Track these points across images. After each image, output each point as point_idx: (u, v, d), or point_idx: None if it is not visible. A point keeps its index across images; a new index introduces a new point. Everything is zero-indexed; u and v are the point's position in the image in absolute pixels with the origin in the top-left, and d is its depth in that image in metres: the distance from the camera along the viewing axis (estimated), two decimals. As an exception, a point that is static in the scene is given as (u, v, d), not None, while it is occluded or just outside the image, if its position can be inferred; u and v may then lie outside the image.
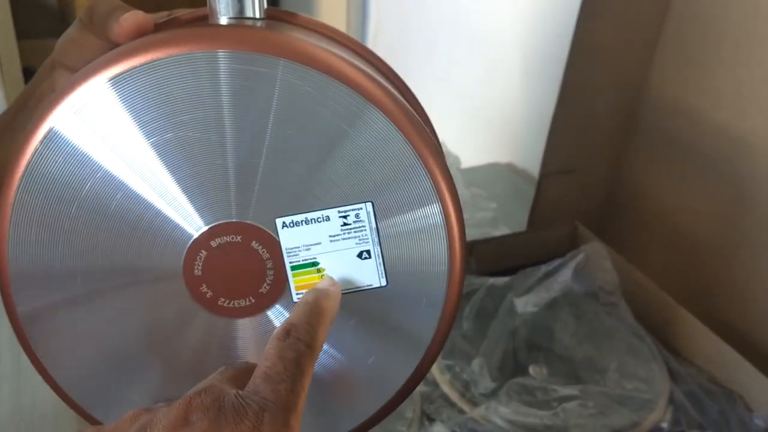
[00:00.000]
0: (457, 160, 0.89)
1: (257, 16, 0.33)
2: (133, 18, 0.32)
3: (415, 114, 0.31)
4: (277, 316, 0.33)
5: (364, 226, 0.31)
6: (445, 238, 0.31)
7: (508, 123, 1.17)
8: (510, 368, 0.69)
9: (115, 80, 0.29)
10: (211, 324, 0.32)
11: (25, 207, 0.30)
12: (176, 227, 0.31)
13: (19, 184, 0.30)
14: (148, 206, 0.30)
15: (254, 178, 0.30)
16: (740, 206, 0.77)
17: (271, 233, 0.31)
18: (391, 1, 1.50)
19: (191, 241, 0.31)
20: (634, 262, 0.79)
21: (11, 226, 0.30)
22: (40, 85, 0.35)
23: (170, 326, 0.32)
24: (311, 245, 0.31)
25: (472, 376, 0.67)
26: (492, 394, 0.65)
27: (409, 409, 0.65)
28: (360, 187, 0.30)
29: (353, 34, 1.57)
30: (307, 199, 0.30)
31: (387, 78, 0.37)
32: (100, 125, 0.29)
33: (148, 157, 0.30)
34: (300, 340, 0.27)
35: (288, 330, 0.28)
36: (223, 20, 0.32)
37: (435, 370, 0.67)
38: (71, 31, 0.34)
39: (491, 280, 0.76)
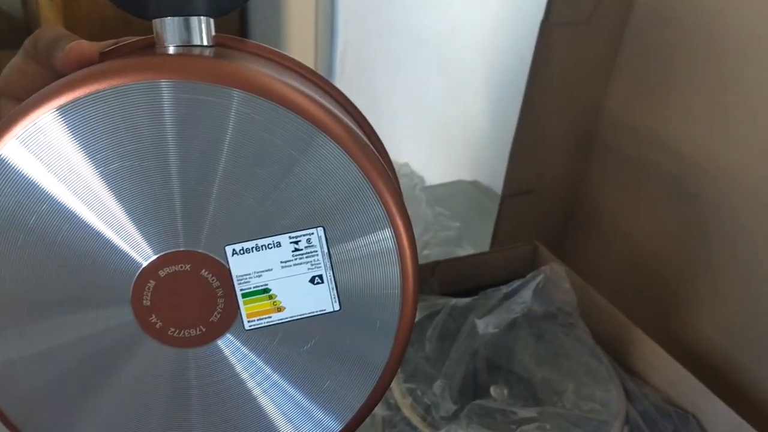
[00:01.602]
0: (421, 180, 0.90)
1: (205, 43, 0.33)
2: (77, 47, 0.32)
3: (365, 140, 0.31)
4: (228, 345, 0.33)
5: (316, 251, 0.31)
6: (398, 262, 0.31)
7: (472, 142, 1.18)
8: (471, 390, 0.70)
9: (62, 110, 0.29)
10: (160, 354, 0.32)
11: None
12: (124, 257, 0.31)
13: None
14: (95, 236, 0.30)
15: (203, 206, 0.30)
16: (695, 227, 0.79)
17: (221, 261, 0.31)
18: (358, 22, 1.52)
19: (139, 271, 0.31)
20: (593, 281, 0.81)
21: None
22: None
23: (119, 357, 0.32)
24: (262, 272, 0.31)
25: (434, 399, 0.68)
26: (453, 417, 0.66)
27: (371, 432, 0.65)
28: (311, 213, 0.31)
29: (321, 55, 1.58)
30: (257, 226, 0.31)
31: (337, 102, 0.38)
32: (46, 155, 0.29)
33: (96, 186, 0.29)
34: None
35: None
36: (171, 48, 0.32)
37: (397, 394, 0.68)
38: (16, 60, 0.34)
39: (453, 301, 0.77)
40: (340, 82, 1.58)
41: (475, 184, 1.16)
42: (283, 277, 0.32)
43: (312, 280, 0.32)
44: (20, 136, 0.29)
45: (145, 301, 0.31)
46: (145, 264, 0.31)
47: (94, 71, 0.29)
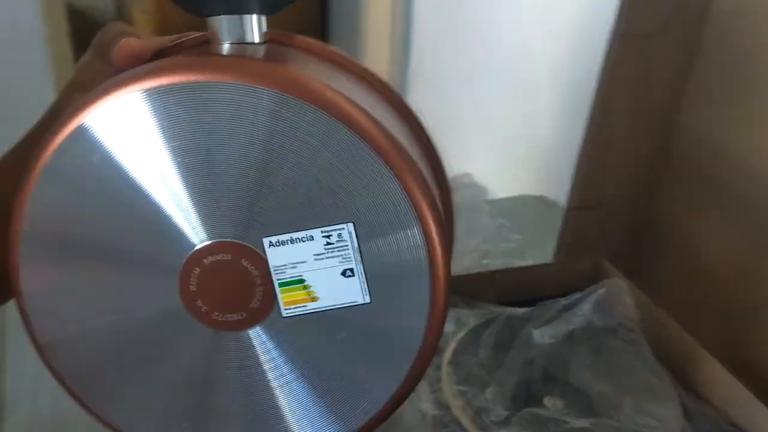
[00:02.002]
0: (483, 190, 0.90)
1: (257, 41, 0.34)
2: (126, 45, 0.34)
3: (401, 145, 0.32)
4: (267, 330, 0.34)
5: (347, 246, 0.32)
6: (426, 259, 0.32)
7: (541, 156, 1.17)
8: (523, 398, 0.69)
9: (149, 93, 0.30)
10: (204, 336, 0.34)
11: (46, 191, 0.32)
12: (176, 240, 0.32)
13: (44, 168, 0.31)
14: (158, 215, 0.32)
15: (244, 200, 0.32)
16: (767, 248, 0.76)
17: (259, 252, 0.32)
18: (431, 35, 1.53)
19: (188, 255, 0.32)
20: (659, 299, 0.79)
21: (30, 203, 0.32)
22: (64, 108, 0.38)
23: (164, 337, 0.34)
24: (297, 263, 0.33)
25: (485, 403, 0.67)
26: (504, 423, 0.65)
27: (421, 431, 0.65)
28: (343, 210, 0.32)
29: (395, 67, 1.60)
30: (293, 220, 0.32)
31: (384, 98, 0.38)
32: (128, 132, 0.31)
33: (164, 170, 0.31)
34: None
35: None
36: (225, 46, 0.34)
37: (448, 395, 0.68)
38: (86, 57, 0.36)
39: (510, 310, 0.77)
40: (413, 95, 1.59)
41: (542, 199, 1.15)
42: (317, 269, 0.33)
43: (343, 273, 0.33)
44: (106, 110, 0.31)
45: (192, 287, 0.33)
46: (192, 250, 0.32)
47: (173, 63, 0.31)
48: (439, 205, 0.38)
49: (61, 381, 0.35)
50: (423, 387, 0.69)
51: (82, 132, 0.31)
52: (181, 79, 0.30)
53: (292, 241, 0.32)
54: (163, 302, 0.33)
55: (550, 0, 1.12)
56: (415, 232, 0.32)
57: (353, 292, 0.33)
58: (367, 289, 0.33)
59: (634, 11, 0.81)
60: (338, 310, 0.34)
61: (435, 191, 0.39)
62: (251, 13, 0.34)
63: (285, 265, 0.33)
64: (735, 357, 0.74)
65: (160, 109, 0.31)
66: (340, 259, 0.33)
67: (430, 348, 0.34)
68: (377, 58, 1.63)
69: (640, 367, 0.71)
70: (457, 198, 0.94)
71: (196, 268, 0.33)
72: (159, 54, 0.36)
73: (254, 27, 0.34)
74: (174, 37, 0.38)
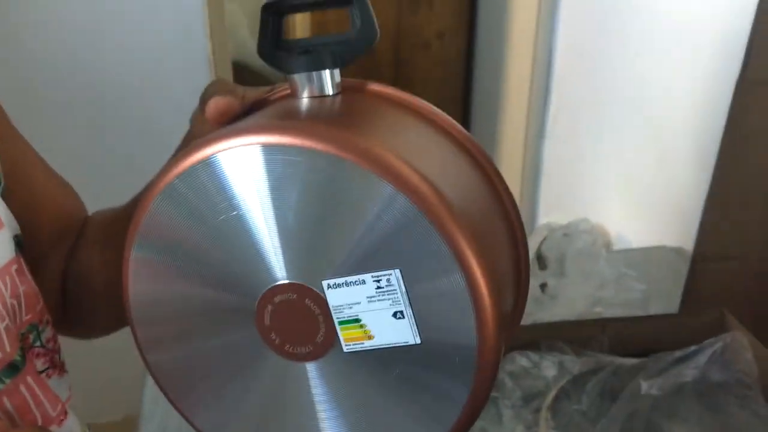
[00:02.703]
0: (602, 237, 0.90)
1: (331, 93, 0.39)
2: (213, 105, 0.39)
3: (451, 203, 0.34)
4: (330, 363, 0.38)
5: (395, 290, 0.35)
6: (471, 306, 0.34)
7: (679, 207, 1.14)
8: (624, 450, 0.68)
9: (266, 147, 0.35)
10: (277, 365, 0.38)
11: (158, 214, 0.37)
12: (255, 278, 0.37)
13: (167, 186, 0.37)
14: (249, 252, 0.36)
15: (309, 247, 0.36)
16: None
17: (319, 293, 0.36)
18: (571, 87, 1.53)
19: (261, 294, 0.37)
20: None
21: (148, 215, 0.37)
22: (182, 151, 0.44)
23: (245, 364, 0.39)
24: (353, 304, 0.36)
25: (583, 452, 0.67)
26: (601, 473, 0.64)
27: (513, 474, 0.66)
28: (391, 256, 0.35)
29: (533, 118, 1.61)
30: (348, 266, 0.35)
31: (451, 140, 0.41)
32: (245, 175, 0.35)
33: (264, 217, 0.36)
34: None
35: None
36: (304, 99, 0.39)
37: (544, 440, 0.68)
38: (196, 109, 0.42)
39: (619, 360, 0.75)
40: (550, 143, 1.59)
41: (678, 251, 1.11)
42: (371, 310, 0.36)
43: (394, 315, 0.36)
44: (227, 152, 0.35)
45: (266, 321, 0.38)
46: (265, 290, 0.37)
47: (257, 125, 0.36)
48: (505, 258, 0.40)
49: (158, 384, 0.41)
50: (519, 430, 0.70)
51: (204, 164, 0.36)
52: (287, 141, 0.34)
53: (347, 284, 0.36)
54: (245, 330, 0.38)
55: (687, 48, 1.10)
56: (457, 278, 0.34)
57: (404, 333, 0.36)
58: (417, 331, 0.35)
59: (761, 58, 0.78)
60: (392, 349, 0.36)
61: (502, 245, 0.41)
62: (326, 69, 0.39)
63: (342, 305, 0.36)
64: None
65: (269, 161, 0.35)
66: (390, 302, 0.35)
67: (482, 393, 0.36)
68: (516, 108, 1.66)
69: (755, 426, 0.67)
70: (574, 244, 0.94)
71: (269, 305, 0.37)
72: (255, 104, 0.42)
73: (329, 81, 0.39)
74: (267, 89, 0.43)
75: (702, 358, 0.73)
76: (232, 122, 0.40)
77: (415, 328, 0.35)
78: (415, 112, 0.42)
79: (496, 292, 0.34)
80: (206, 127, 0.41)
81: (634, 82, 1.27)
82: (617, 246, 1.06)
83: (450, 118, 0.42)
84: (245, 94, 0.41)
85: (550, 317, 0.80)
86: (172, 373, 0.41)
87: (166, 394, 0.42)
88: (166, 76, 1.46)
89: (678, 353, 0.75)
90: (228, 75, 1.58)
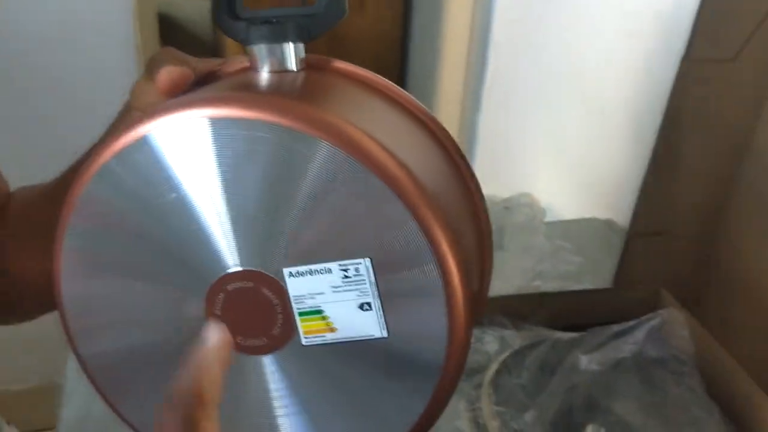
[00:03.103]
0: (542, 211, 0.89)
1: (295, 68, 0.36)
2: (166, 74, 0.36)
3: (424, 186, 0.31)
4: (286, 357, 0.35)
5: (364, 280, 0.33)
6: (443, 296, 0.32)
7: (611, 180, 1.15)
8: (563, 425, 0.68)
9: (213, 120, 0.32)
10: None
11: (98, 190, 0.33)
12: (205, 263, 0.33)
13: (101, 167, 0.33)
14: (193, 235, 0.33)
15: (267, 231, 0.33)
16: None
17: (279, 281, 0.33)
18: (508, 56, 1.53)
19: (213, 281, 0.34)
20: (720, 333, 0.76)
21: (76, 206, 0.34)
22: (120, 126, 0.40)
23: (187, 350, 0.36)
24: (316, 294, 0.33)
25: (524, 426, 0.66)
26: (541, 448, 0.64)
27: (455, 450, 0.65)
28: (361, 244, 0.32)
29: (470, 84, 1.60)
30: (312, 253, 0.33)
31: (413, 119, 0.39)
32: (185, 151, 0.32)
33: (211, 193, 0.32)
34: (185, 397, 0.28)
35: (171, 395, 0.29)
36: (263, 73, 0.36)
37: (486, 414, 0.67)
38: (140, 79, 0.38)
39: (558, 334, 0.75)
40: (485, 115, 1.59)
41: (609, 223, 1.12)
42: (335, 301, 0.34)
43: (361, 307, 0.33)
44: (167, 126, 0.32)
45: (216, 311, 0.34)
46: (218, 276, 0.34)
47: (198, 98, 0.33)
48: (470, 239, 0.38)
49: (92, 380, 0.37)
50: (461, 405, 0.69)
51: (144, 141, 0.32)
52: (239, 114, 0.31)
53: (310, 272, 0.33)
54: (192, 321, 0.35)
55: (628, 25, 1.10)
56: (431, 268, 0.32)
57: (370, 326, 0.33)
58: (384, 324, 0.33)
59: (706, 37, 0.79)
60: (356, 343, 0.34)
61: (467, 225, 0.39)
62: (289, 41, 0.36)
63: (304, 295, 0.33)
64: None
65: (218, 136, 0.32)
66: (357, 293, 0.33)
67: (449, 384, 0.34)
68: (452, 79, 1.64)
69: (690, 402, 0.68)
70: (514, 218, 0.94)
71: (221, 294, 0.34)
72: (206, 77, 0.38)
73: (292, 55, 0.36)
74: (219, 61, 0.40)
75: (639, 334, 0.74)
76: (182, 94, 0.36)
77: (383, 320, 0.33)
78: (383, 93, 0.39)
79: (467, 282, 0.33)
80: (150, 98, 0.37)
81: (570, 56, 1.27)
82: (551, 218, 1.07)
83: (415, 100, 0.40)
84: (197, 66, 0.38)
85: (490, 291, 0.79)
86: (107, 369, 0.37)
87: (100, 392, 0.38)
88: (83, 29, 1.36)
89: (615, 328, 0.75)
90: (153, 29, 1.49)
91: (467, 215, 0.40)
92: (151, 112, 0.33)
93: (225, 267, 0.34)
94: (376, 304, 0.33)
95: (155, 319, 0.36)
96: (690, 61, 0.80)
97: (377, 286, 0.33)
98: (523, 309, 0.78)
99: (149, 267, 0.35)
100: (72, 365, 0.75)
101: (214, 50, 2.36)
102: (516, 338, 0.75)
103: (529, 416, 0.67)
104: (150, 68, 0.37)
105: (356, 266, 0.33)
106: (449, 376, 0.34)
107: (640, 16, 1.05)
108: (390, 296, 0.33)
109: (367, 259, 0.32)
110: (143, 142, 0.32)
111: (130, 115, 0.40)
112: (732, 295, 0.88)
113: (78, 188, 0.34)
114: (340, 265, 0.33)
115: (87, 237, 0.35)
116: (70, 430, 0.71)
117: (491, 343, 0.73)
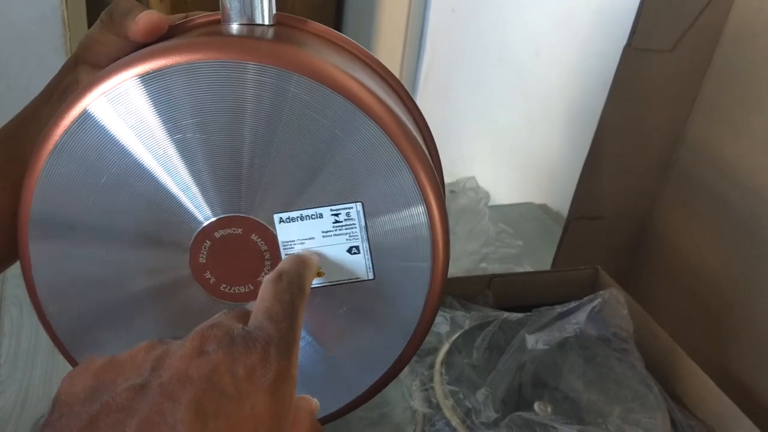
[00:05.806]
0: (486, 195, 0.91)
1: (266, 22, 0.35)
2: (147, 17, 0.34)
3: (405, 122, 0.33)
4: None
5: (354, 224, 0.33)
6: (429, 237, 0.33)
7: (547, 165, 1.18)
8: (514, 402, 0.70)
9: (143, 78, 0.31)
10: (209, 306, 0.35)
11: (53, 174, 0.33)
12: (187, 214, 0.33)
13: (51, 154, 0.32)
14: (165, 193, 0.33)
15: (256, 177, 0.32)
16: (764, 267, 0.77)
17: (269, 227, 0.33)
18: (444, 41, 1.54)
19: (198, 230, 0.33)
20: (654, 311, 0.79)
21: (37, 188, 0.33)
22: (64, 79, 0.38)
23: (169, 302, 0.35)
24: (305, 240, 0.34)
25: (476, 404, 0.68)
26: (493, 425, 0.66)
27: (410, 428, 0.66)
28: (352, 189, 0.33)
29: (407, 71, 1.61)
30: (303, 198, 0.33)
31: (388, 85, 0.39)
32: (129, 115, 0.32)
33: (167, 150, 0.32)
34: (293, 283, 0.29)
35: (280, 275, 0.29)
36: (234, 25, 0.35)
37: (439, 394, 0.69)
38: (94, 30, 0.37)
39: (505, 315, 0.77)
40: (422, 99, 1.60)
41: (544, 208, 1.16)
42: (324, 245, 0.34)
43: (349, 251, 0.34)
44: (108, 94, 0.32)
45: (201, 259, 0.34)
46: (204, 224, 0.33)
47: (178, 44, 0.32)
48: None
49: (60, 346, 0.36)
50: (415, 385, 0.70)
51: (90, 113, 0.32)
52: (183, 59, 0.31)
53: (302, 218, 0.33)
54: (172, 274, 0.34)
55: (566, 11, 1.13)
56: (420, 210, 0.33)
57: (358, 269, 0.34)
58: (371, 267, 0.34)
59: (647, 27, 0.82)
60: (342, 286, 0.34)
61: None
62: None
63: (293, 240, 0.34)
64: (725, 372, 0.75)
65: (167, 89, 0.31)
66: (347, 236, 0.34)
67: (426, 325, 0.36)
68: (388, 62, 1.64)
69: (631, 377, 0.71)
70: (461, 201, 0.95)
71: (207, 241, 0.34)
72: (168, 33, 0.37)
73: (264, 8, 0.35)
74: (181, 16, 0.38)
75: (582, 314, 0.76)
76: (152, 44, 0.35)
77: (370, 263, 0.34)
78: (358, 57, 0.40)
79: (447, 226, 0.34)
80: (109, 48, 0.36)
81: (504, 42, 1.29)
82: (492, 203, 1.09)
83: (381, 62, 0.41)
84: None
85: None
86: (74, 326, 0.36)
87: (62, 349, 0.36)
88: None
89: (558, 308, 0.78)
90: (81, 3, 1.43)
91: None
92: (94, 80, 0.32)
93: (201, 218, 0.33)
94: (364, 247, 0.34)
95: (129, 278, 0.35)
96: (630, 51, 0.83)
97: (367, 230, 0.33)
98: (472, 290, 0.80)
99: (121, 228, 0.34)
100: (5, 352, 0.72)
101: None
102: (466, 319, 0.76)
103: (480, 394, 0.69)
104: (111, 18, 0.36)
105: (347, 211, 0.33)
106: (428, 314, 0.35)
107: (578, 5, 1.08)
108: (377, 239, 0.34)
109: (359, 204, 0.33)
110: (88, 114, 0.32)
111: (77, 71, 0.38)
112: (661, 275, 0.92)
113: (34, 170, 0.33)
114: (332, 209, 0.33)
115: (55, 210, 0.34)
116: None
117: (442, 324, 0.75)
